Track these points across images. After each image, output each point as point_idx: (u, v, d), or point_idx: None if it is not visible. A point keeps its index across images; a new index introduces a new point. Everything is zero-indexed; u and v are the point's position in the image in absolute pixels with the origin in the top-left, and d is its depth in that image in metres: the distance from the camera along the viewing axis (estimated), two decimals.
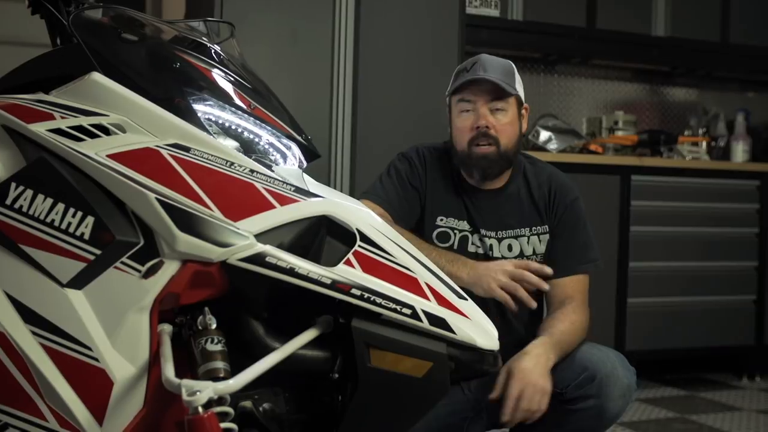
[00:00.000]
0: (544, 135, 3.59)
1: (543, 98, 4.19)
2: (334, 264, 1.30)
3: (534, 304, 1.73)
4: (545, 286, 1.72)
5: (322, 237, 1.35)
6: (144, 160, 1.26)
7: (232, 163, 1.31)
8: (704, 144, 4.13)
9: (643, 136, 3.92)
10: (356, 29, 2.93)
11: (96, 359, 1.18)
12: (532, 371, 1.61)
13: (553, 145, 3.59)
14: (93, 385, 1.18)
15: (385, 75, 2.95)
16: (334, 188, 2.90)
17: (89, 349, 1.18)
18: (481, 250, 1.86)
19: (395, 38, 2.99)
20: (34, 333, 1.19)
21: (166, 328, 1.26)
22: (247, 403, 1.36)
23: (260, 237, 1.24)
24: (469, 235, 1.87)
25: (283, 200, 1.29)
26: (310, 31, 2.89)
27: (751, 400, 3.46)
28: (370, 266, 1.33)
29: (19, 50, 1.54)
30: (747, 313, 3.79)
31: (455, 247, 1.85)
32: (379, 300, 1.28)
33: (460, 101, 1.84)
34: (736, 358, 3.91)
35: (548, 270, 1.73)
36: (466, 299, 1.46)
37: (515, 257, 1.87)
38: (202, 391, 1.08)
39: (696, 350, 3.73)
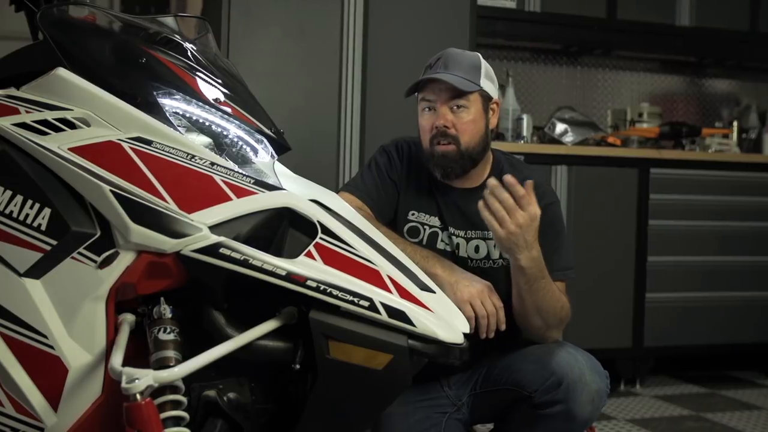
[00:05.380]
0: (560, 127, 3.54)
1: (566, 90, 4.14)
2: (296, 256, 1.31)
3: (486, 336, 1.67)
4: (502, 327, 1.67)
5: (285, 229, 1.36)
6: (104, 153, 1.29)
7: (193, 156, 1.33)
8: (734, 136, 4.02)
9: (665, 128, 3.84)
10: (365, 22, 2.93)
11: (51, 347, 1.22)
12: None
13: (569, 138, 3.53)
14: (48, 372, 1.22)
15: (394, 68, 2.94)
16: (343, 182, 2.91)
17: (45, 336, 1.22)
18: (449, 248, 1.84)
19: (404, 31, 2.97)
20: None
21: (128, 318, 1.29)
22: (212, 393, 1.38)
23: (215, 229, 1.26)
24: (439, 232, 1.85)
25: (241, 192, 1.31)
26: (319, 25, 2.89)
27: None
28: (330, 258, 1.33)
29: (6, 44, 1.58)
30: None
31: (424, 242, 1.84)
32: (335, 292, 1.28)
33: (422, 100, 1.83)
34: (765, 355, 3.80)
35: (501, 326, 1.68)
36: (434, 292, 1.45)
37: (482, 259, 1.84)
38: (140, 379, 1.10)
39: (717, 347, 3.64)
